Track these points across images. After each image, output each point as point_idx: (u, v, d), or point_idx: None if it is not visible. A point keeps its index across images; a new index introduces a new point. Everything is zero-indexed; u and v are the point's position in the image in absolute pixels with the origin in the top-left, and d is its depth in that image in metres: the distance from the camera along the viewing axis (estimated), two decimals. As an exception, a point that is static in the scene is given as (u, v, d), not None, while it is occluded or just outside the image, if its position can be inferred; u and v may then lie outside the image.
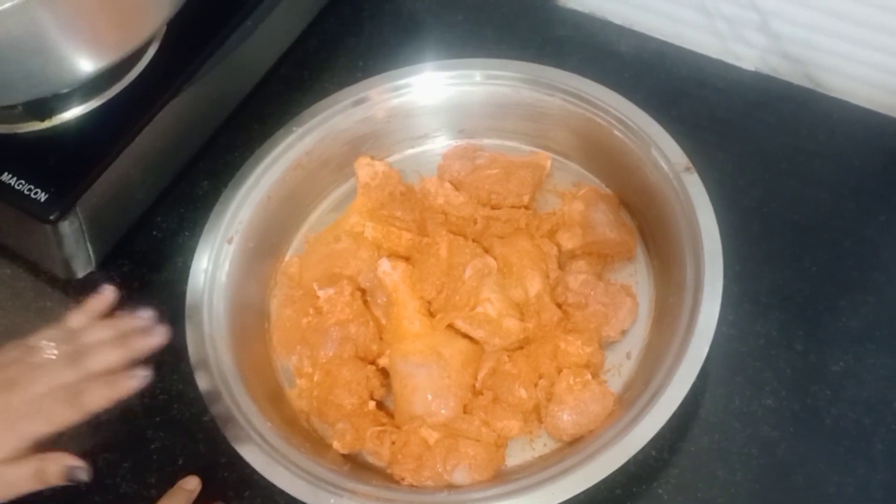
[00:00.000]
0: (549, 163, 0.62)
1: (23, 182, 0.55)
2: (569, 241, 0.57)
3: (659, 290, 0.57)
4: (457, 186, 0.60)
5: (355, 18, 0.72)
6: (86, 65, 0.53)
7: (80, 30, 0.52)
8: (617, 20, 0.70)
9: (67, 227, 0.55)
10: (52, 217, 0.54)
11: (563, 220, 0.58)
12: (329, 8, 0.71)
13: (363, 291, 0.56)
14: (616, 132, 0.59)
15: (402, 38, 0.71)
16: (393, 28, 0.72)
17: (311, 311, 0.56)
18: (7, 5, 0.46)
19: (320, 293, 0.55)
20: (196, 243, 0.60)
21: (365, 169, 0.61)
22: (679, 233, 0.55)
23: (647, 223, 0.59)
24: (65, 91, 0.55)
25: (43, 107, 0.56)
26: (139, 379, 0.47)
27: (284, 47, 0.68)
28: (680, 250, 0.55)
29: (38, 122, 0.57)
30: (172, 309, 0.59)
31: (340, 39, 0.71)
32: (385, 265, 0.55)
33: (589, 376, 0.51)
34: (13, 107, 0.56)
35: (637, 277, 0.58)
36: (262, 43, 0.65)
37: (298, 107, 0.67)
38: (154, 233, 0.63)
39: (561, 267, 0.57)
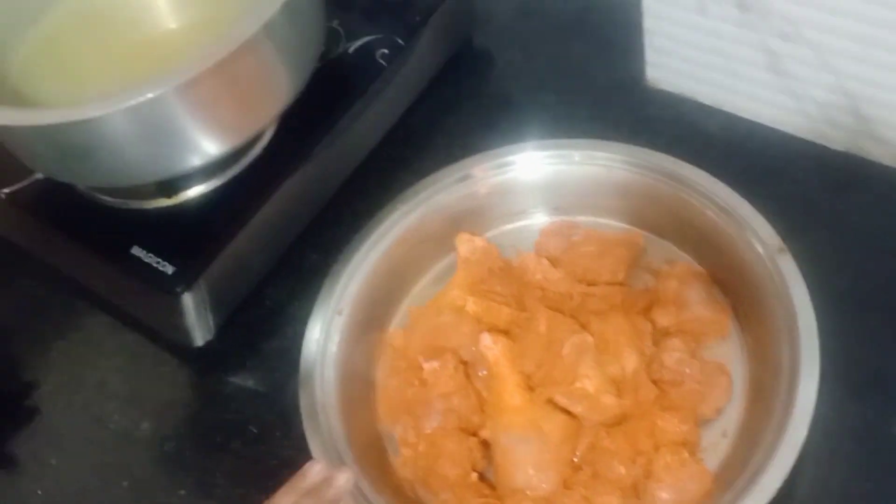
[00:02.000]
0: (642, 240, 0.64)
1: (151, 255, 0.60)
2: (663, 319, 0.59)
3: (753, 368, 0.58)
4: (554, 263, 0.63)
5: (454, 99, 0.76)
6: (213, 149, 0.58)
7: (211, 118, 0.56)
8: (706, 101, 0.72)
9: (191, 299, 0.59)
10: (178, 290, 0.58)
11: (658, 298, 0.60)
12: (430, 89, 0.75)
13: (465, 364, 0.59)
14: (708, 212, 0.61)
15: (499, 117, 0.75)
16: (489, 108, 0.75)
17: (416, 382, 0.58)
18: (149, 96, 0.51)
19: (425, 366, 0.58)
20: (305, 313, 0.64)
21: (465, 244, 0.64)
22: (773, 312, 0.57)
23: (740, 301, 0.61)
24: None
25: (171, 185, 0.61)
26: None
27: (388, 127, 0.72)
28: (774, 330, 0.56)
29: (166, 199, 0.62)
30: (282, 376, 0.63)
31: (440, 119, 0.75)
32: (487, 340, 0.57)
33: (686, 454, 0.53)
34: (145, 185, 0.60)
35: (730, 355, 0.59)
36: (369, 124, 0.69)
37: (400, 183, 0.71)
38: (266, 302, 0.66)
39: (656, 344, 0.59)
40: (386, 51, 0.68)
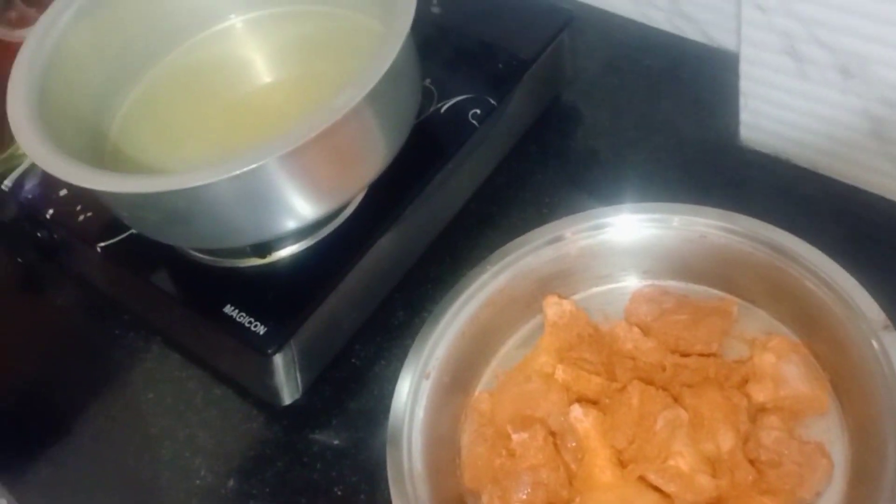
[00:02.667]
0: (736, 309, 0.63)
1: (244, 315, 0.60)
2: (760, 394, 0.58)
3: (855, 450, 0.56)
4: (644, 331, 0.62)
5: (541, 156, 0.75)
6: (310, 213, 0.58)
7: (310, 184, 0.57)
8: (803, 163, 0.71)
9: (281, 360, 0.60)
10: (269, 351, 0.59)
11: (754, 372, 0.59)
12: (517, 146, 0.75)
13: (554, 435, 0.58)
14: (807, 283, 0.59)
15: (587, 175, 0.74)
16: (577, 166, 0.75)
17: (504, 452, 0.58)
18: (252, 166, 0.52)
19: (514, 437, 0.57)
20: (391, 372, 0.64)
21: (553, 308, 0.64)
22: (877, 392, 0.54)
23: (841, 377, 0.58)
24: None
25: (264, 246, 0.62)
26: None
27: (477, 185, 0.72)
28: (878, 410, 0.54)
29: (259, 259, 0.62)
30: (368, 436, 0.63)
31: (527, 177, 0.75)
32: (577, 412, 0.57)
33: (786, 541, 0.51)
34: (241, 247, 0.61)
35: (830, 435, 0.57)
36: (458, 184, 0.69)
37: (487, 241, 0.71)
38: (353, 360, 0.67)
39: (751, 421, 0.57)
40: (478, 111, 0.68)
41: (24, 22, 0.85)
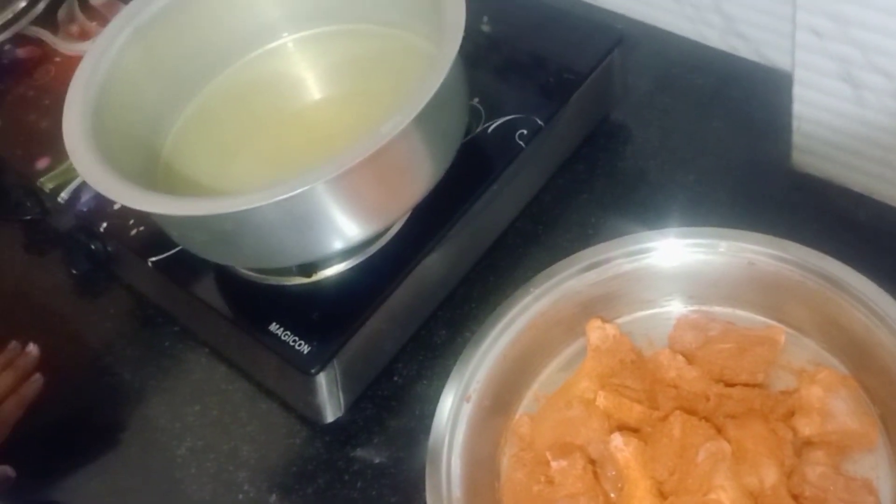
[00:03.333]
0: (783, 338, 0.62)
1: (288, 333, 0.61)
2: (806, 428, 0.57)
3: (903, 488, 0.55)
4: (689, 358, 0.61)
5: (588, 176, 0.75)
6: (357, 234, 0.59)
7: (358, 206, 0.57)
8: (856, 188, 0.69)
9: (324, 379, 0.60)
10: (313, 370, 0.59)
11: (800, 405, 0.58)
12: (565, 165, 0.75)
13: (593, 462, 0.58)
14: (859, 314, 0.58)
15: (634, 196, 0.73)
16: (624, 186, 0.74)
17: (543, 479, 0.57)
18: (301, 189, 0.52)
19: (553, 464, 0.57)
20: (433, 391, 0.64)
21: (596, 332, 0.63)
22: (927, 429, 0.53)
23: (891, 412, 0.57)
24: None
25: (310, 266, 0.62)
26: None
27: (523, 204, 0.72)
28: (928, 449, 0.53)
29: (305, 278, 0.63)
30: (408, 455, 0.63)
31: (574, 196, 0.74)
32: (618, 441, 0.56)
33: (828, 583, 0.50)
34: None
35: (878, 471, 0.56)
36: (504, 204, 0.69)
37: (531, 260, 0.71)
38: (395, 378, 0.67)
39: (797, 455, 0.56)
40: (525, 131, 0.68)
41: (87, 35, 0.87)
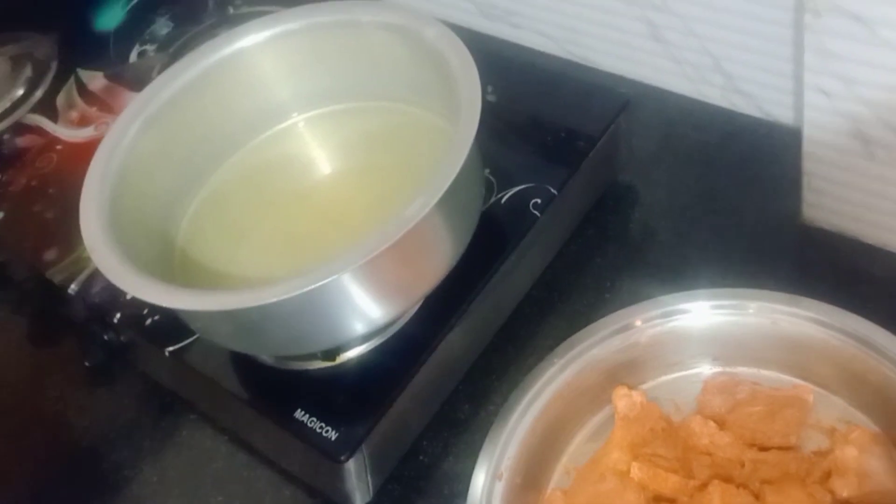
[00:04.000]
0: (811, 397, 0.61)
1: (314, 419, 0.60)
2: (844, 490, 0.56)
3: (947, 548, 0.54)
4: (719, 423, 0.61)
5: (600, 240, 0.75)
6: (380, 318, 0.59)
7: (379, 291, 0.57)
8: (870, 240, 0.69)
9: (353, 465, 0.59)
10: (342, 457, 0.59)
11: (836, 466, 0.57)
12: (575, 230, 0.75)
13: (632, 537, 0.57)
14: (885, 370, 0.58)
15: (647, 257, 0.73)
16: (636, 248, 0.74)
17: (581, 556, 0.57)
18: (326, 280, 0.52)
19: (593, 542, 0.56)
20: (460, 469, 0.64)
21: (623, 400, 0.63)
22: (967, 487, 0.53)
23: (927, 469, 0.57)
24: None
25: (333, 350, 0.62)
26: None
27: (538, 273, 0.72)
28: (970, 506, 0.52)
29: (328, 361, 0.62)
30: (441, 539, 0.62)
31: (586, 261, 0.74)
32: (657, 514, 0.56)
33: None
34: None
35: (919, 531, 0.55)
36: (521, 274, 0.69)
37: (549, 328, 0.71)
38: (420, 457, 0.66)
39: (836, 518, 0.56)
40: (539, 200, 0.68)
41: (87, 121, 0.87)
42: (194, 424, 0.72)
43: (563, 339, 0.65)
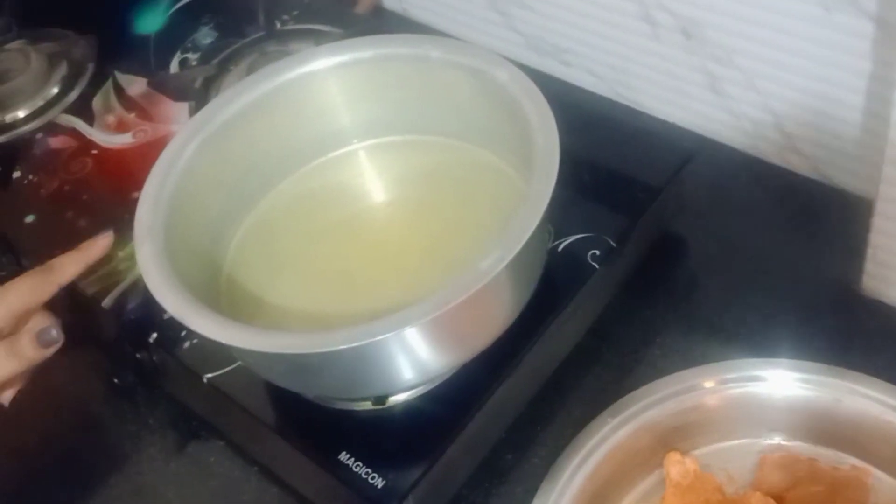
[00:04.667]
0: (870, 480, 0.60)
1: (360, 464, 0.58)
2: (903, 578, 0.55)
3: None
4: (778, 500, 0.59)
5: (650, 291, 0.73)
6: (439, 369, 0.57)
7: (442, 344, 0.55)
8: (931, 317, 0.68)
9: (400, 514, 0.57)
10: (388, 506, 0.57)
11: (896, 553, 0.56)
12: (624, 282, 0.73)
13: None
14: (949, 456, 0.57)
15: (699, 314, 0.72)
16: (688, 304, 0.73)
17: None
18: (397, 331, 0.50)
19: None
20: (501, 521, 0.62)
21: (676, 466, 0.61)
22: None
23: None
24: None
25: (383, 395, 0.60)
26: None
27: (589, 323, 0.70)
28: None
29: (377, 405, 0.60)
30: None
31: (636, 312, 0.73)
32: None
33: None
34: (364, 397, 0.60)
35: None
36: (575, 325, 0.67)
37: (595, 379, 0.69)
38: (461, 506, 0.64)
39: None
40: (597, 251, 0.66)
41: (124, 127, 0.85)
42: (222, 453, 0.69)
43: (610, 390, 0.64)
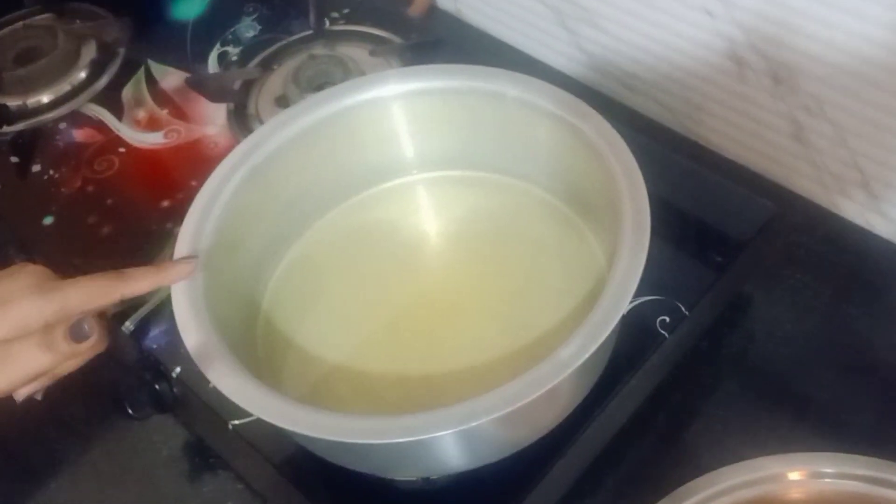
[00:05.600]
0: None
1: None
2: None
3: None
4: None
5: (714, 357, 0.67)
6: (496, 456, 0.51)
7: (510, 432, 0.50)
8: None
9: None
10: None
11: None
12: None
13: None
14: None
15: (766, 389, 0.66)
16: (755, 376, 0.67)
17: None
18: (465, 426, 0.44)
19: None
20: None
21: (738, 565, 0.56)
22: None
23: None
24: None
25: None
26: None
27: (649, 391, 0.64)
28: None
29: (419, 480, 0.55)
30: None
31: (697, 380, 0.66)
32: None
33: None
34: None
35: None
36: (636, 394, 0.62)
37: (646, 452, 0.64)
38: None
39: None
40: (667, 318, 0.61)
41: (156, 125, 0.79)
42: (241, 496, 0.64)
43: (666, 467, 0.60)
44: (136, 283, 0.52)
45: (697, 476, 0.57)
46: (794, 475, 0.56)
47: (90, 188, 0.75)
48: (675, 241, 0.65)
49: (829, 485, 0.56)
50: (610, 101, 0.85)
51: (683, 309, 0.61)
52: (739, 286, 0.68)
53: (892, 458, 0.55)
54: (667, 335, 0.60)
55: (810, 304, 0.70)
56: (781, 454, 0.57)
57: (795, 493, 0.56)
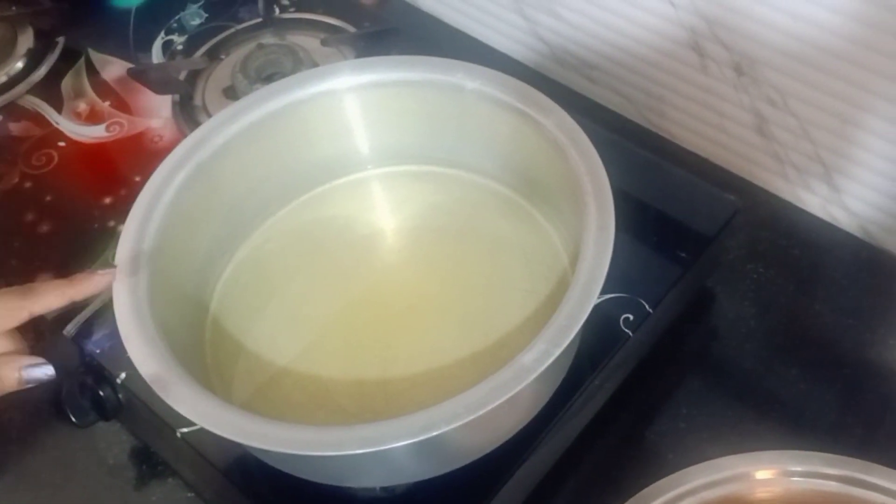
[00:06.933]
0: None
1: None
2: None
3: None
4: None
5: (677, 354, 0.67)
6: (459, 462, 0.49)
7: (472, 439, 0.48)
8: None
9: None
10: None
11: None
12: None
13: None
14: None
15: (729, 385, 0.65)
16: (717, 373, 0.66)
17: None
18: (429, 434, 0.42)
19: None
20: None
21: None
22: None
23: None
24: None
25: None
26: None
27: (612, 390, 0.63)
28: None
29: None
30: None
31: (660, 378, 0.65)
32: None
33: None
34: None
35: None
36: (600, 394, 0.60)
37: (613, 454, 0.63)
38: None
39: None
40: (630, 316, 0.59)
41: (97, 118, 0.75)
42: (189, 505, 0.62)
43: (630, 468, 0.59)
44: (45, 299, 0.49)
45: (662, 477, 0.56)
46: (760, 474, 0.55)
47: (28, 184, 0.71)
48: (638, 236, 0.63)
49: (797, 483, 0.55)
50: (570, 92, 0.83)
51: (647, 307, 0.59)
52: (703, 279, 0.67)
53: (857, 455, 0.54)
54: (630, 333, 0.59)
55: (774, 299, 0.70)
56: (747, 453, 0.56)
57: (762, 493, 0.55)
